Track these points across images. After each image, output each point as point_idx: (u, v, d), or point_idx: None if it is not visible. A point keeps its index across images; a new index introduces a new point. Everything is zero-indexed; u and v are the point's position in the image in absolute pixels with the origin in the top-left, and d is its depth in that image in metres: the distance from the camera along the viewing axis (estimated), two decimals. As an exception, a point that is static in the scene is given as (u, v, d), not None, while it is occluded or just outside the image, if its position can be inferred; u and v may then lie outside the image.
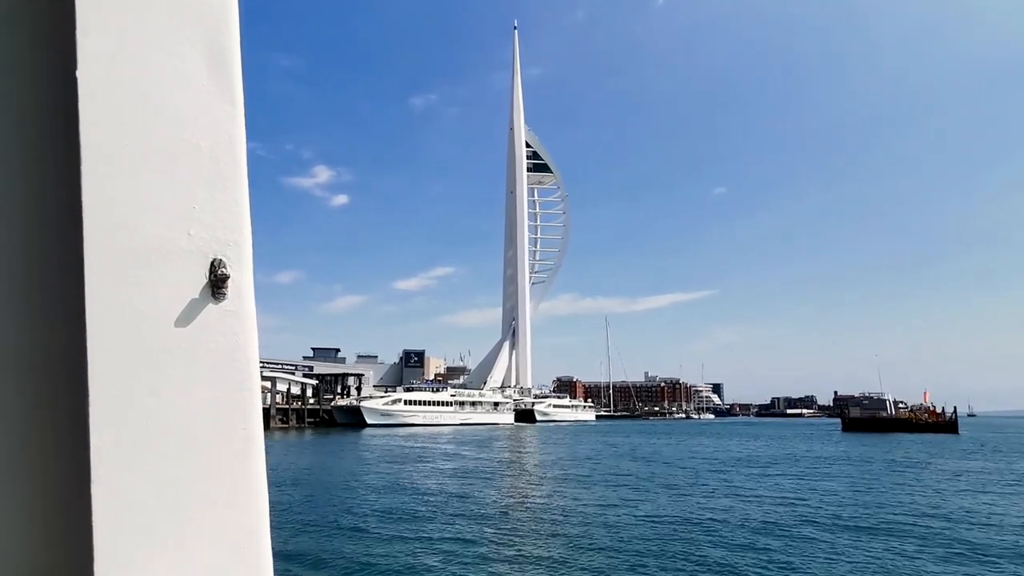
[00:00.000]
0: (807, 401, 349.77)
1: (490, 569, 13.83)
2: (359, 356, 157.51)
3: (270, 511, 1.09)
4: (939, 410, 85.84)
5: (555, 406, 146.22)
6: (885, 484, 28.67)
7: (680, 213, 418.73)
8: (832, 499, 23.73)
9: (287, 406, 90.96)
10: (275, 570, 1.09)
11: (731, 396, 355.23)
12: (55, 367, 1.00)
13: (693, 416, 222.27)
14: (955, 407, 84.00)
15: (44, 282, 1.02)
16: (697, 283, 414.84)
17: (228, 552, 1.04)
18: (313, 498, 24.03)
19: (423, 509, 21.23)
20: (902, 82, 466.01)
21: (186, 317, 1.03)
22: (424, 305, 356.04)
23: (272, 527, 1.09)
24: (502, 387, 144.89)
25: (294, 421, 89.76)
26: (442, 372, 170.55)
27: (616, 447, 56.38)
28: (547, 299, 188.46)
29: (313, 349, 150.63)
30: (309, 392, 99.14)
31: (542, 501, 23.83)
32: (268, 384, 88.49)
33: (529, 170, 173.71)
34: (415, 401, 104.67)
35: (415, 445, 55.77)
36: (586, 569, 13.74)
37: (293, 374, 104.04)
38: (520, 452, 50.60)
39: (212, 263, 1.05)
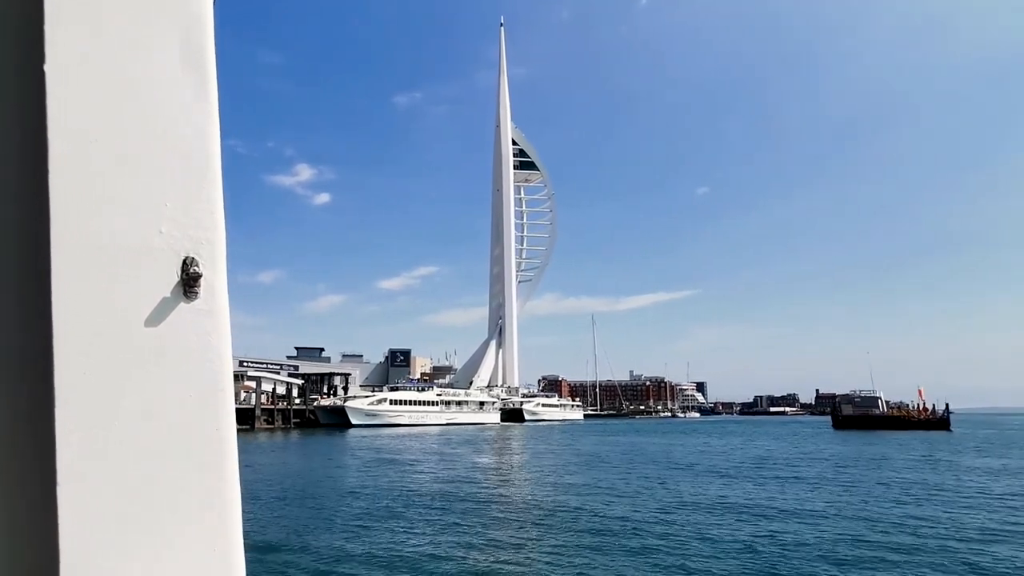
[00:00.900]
0: (789, 399, 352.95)
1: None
2: (344, 355, 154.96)
3: (243, 513, 1.07)
4: (930, 407, 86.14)
5: (544, 405, 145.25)
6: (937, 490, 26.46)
7: (663, 213, 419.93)
8: (899, 513, 20.77)
9: (272, 406, 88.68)
10: (248, 572, 1.07)
11: (714, 395, 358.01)
12: (21, 367, 0.97)
13: (679, 415, 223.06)
14: (947, 404, 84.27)
15: (10, 280, 0.99)
16: (679, 283, 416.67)
17: (200, 554, 1.02)
18: (294, 502, 22.48)
19: (429, 544, 16.16)
20: (885, 82, 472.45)
21: (157, 316, 1.01)
22: (407, 304, 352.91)
23: (245, 530, 1.07)
24: (489, 386, 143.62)
25: (280, 421, 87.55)
26: (428, 372, 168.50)
27: (620, 447, 54.49)
28: (533, 298, 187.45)
29: (297, 348, 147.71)
30: (295, 392, 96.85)
31: (593, 525, 18.36)
32: (253, 384, 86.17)
33: (516, 168, 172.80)
34: (401, 401, 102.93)
35: (404, 447, 54.08)
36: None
37: (278, 374, 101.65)
38: (525, 454, 48.06)
39: (184, 261, 1.03)
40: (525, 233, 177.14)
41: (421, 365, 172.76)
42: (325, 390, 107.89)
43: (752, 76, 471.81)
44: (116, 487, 0.96)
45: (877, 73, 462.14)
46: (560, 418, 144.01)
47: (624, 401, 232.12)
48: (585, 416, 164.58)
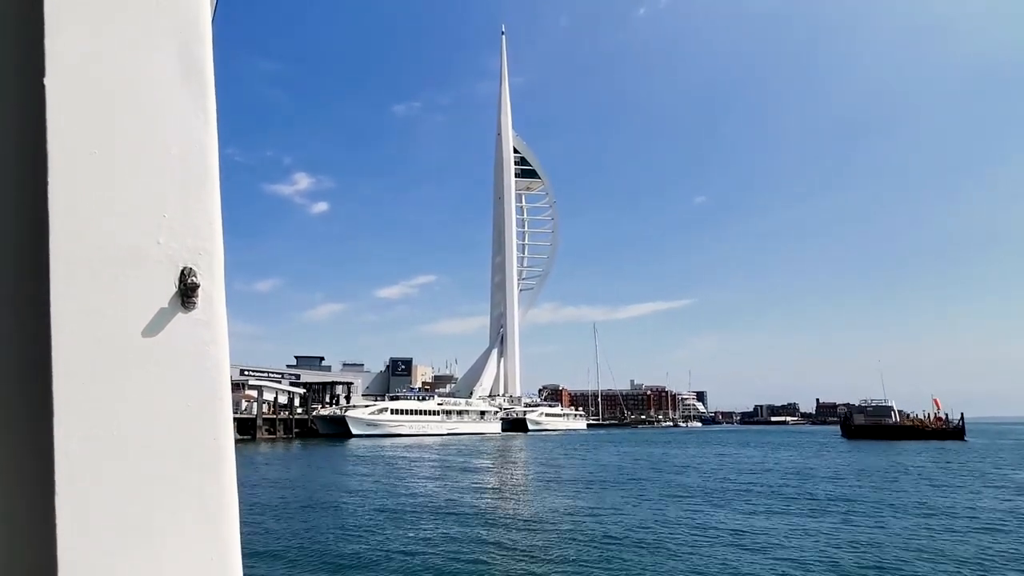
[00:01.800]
0: (790, 409, 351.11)
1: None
2: (345, 364, 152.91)
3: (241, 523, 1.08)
4: (944, 416, 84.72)
5: (548, 415, 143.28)
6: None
7: (660, 222, 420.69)
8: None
9: (274, 416, 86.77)
10: None
11: (713, 404, 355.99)
12: (21, 377, 0.97)
13: (681, 424, 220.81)
14: (962, 413, 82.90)
15: (8, 290, 1.00)
16: (677, 291, 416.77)
17: (198, 563, 1.02)
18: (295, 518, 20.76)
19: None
20: (884, 88, 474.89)
21: (155, 326, 1.02)
22: (406, 313, 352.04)
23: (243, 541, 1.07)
24: (491, 395, 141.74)
25: (281, 431, 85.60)
26: (429, 381, 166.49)
27: (643, 460, 51.24)
28: (535, 306, 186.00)
29: (297, 357, 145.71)
30: (297, 401, 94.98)
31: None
32: (254, 393, 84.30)
33: (517, 176, 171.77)
34: (402, 410, 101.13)
35: (414, 459, 52.15)
36: None
37: (279, 383, 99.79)
38: (550, 468, 43.85)
39: (182, 272, 1.04)
40: (527, 241, 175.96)
41: (422, 374, 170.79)
42: (328, 399, 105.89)
43: (750, 83, 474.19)
44: (114, 496, 0.96)
45: (875, 80, 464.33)
46: (564, 428, 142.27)
47: (626, 410, 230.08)
48: (588, 426, 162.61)
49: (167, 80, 1.08)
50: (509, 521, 20.73)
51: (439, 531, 18.71)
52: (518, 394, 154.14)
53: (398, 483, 32.08)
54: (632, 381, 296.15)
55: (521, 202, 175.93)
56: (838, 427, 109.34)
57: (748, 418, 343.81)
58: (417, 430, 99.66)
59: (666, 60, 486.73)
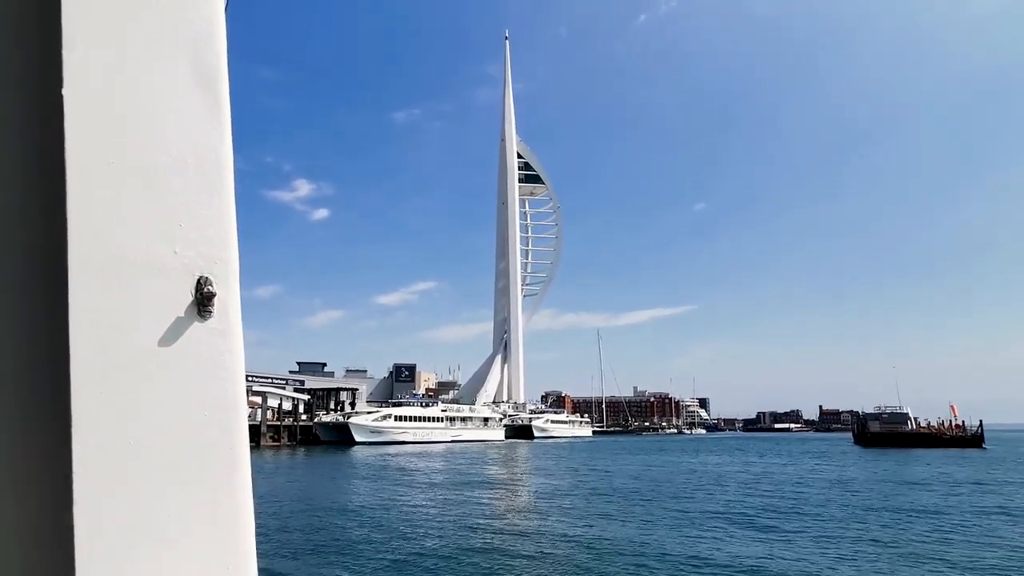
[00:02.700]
0: (793, 415, 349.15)
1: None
2: (348, 370, 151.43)
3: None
4: (961, 423, 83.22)
5: (553, 421, 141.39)
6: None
7: (660, 229, 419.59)
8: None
9: (278, 422, 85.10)
10: None
11: (715, 411, 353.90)
12: (38, 384, 0.99)
13: (685, 431, 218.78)
14: (980, 421, 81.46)
15: (28, 299, 1.00)
16: (677, 298, 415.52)
17: (214, 572, 1.03)
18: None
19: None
20: (884, 96, 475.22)
21: (171, 335, 1.03)
22: (405, 320, 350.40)
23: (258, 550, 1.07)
24: (495, 402, 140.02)
25: (286, 438, 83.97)
26: (433, 387, 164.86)
27: (672, 471, 47.65)
28: (538, 312, 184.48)
29: (299, 363, 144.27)
30: (301, 408, 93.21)
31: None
32: (259, 400, 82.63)
33: (521, 181, 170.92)
34: (405, 417, 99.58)
35: (421, 469, 50.46)
36: None
37: (284, 389, 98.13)
38: (578, 480, 40.05)
39: (198, 281, 1.05)
40: (530, 247, 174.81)
41: (426, 380, 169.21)
42: (332, 405, 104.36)
43: (750, 89, 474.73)
44: (131, 504, 0.97)
45: (877, 84, 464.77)
46: (570, 435, 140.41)
47: (629, 417, 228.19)
48: (593, 433, 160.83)
49: (182, 91, 1.09)
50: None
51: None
52: (522, 400, 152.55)
53: (424, 511, 26.01)
54: (635, 388, 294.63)
55: (524, 207, 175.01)
56: (843, 434, 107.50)
57: (751, 425, 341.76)
58: (421, 437, 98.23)
59: (666, 67, 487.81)
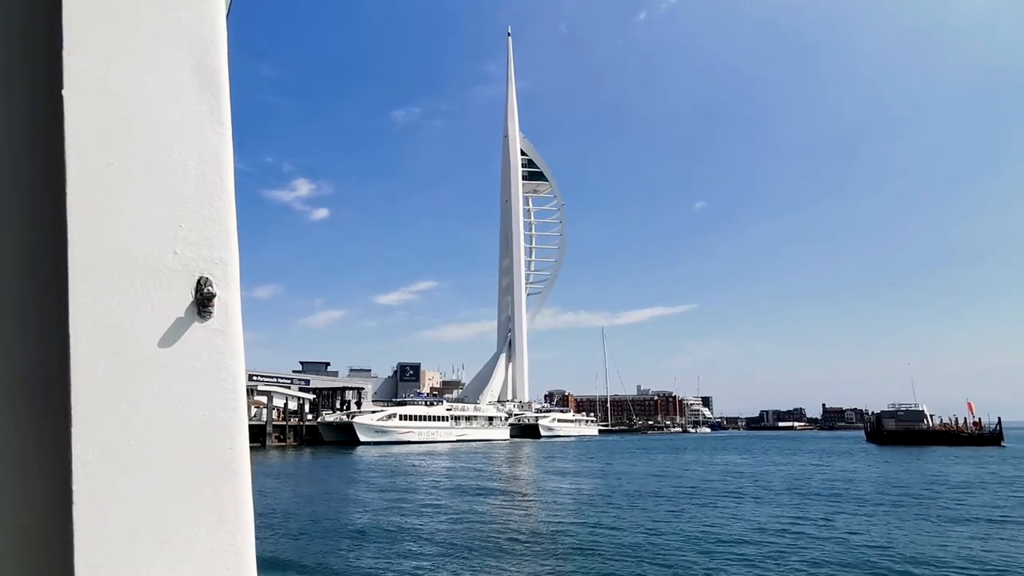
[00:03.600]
0: (796, 414, 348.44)
1: None
2: (352, 370, 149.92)
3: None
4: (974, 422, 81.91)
5: (560, 420, 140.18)
6: None
7: (660, 227, 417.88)
8: None
9: (284, 422, 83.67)
10: None
11: (717, 409, 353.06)
12: (38, 386, 1.00)
13: (690, 430, 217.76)
14: (999, 418, 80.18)
15: (28, 301, 1.02)
16: (678, 297, 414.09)
17: (214, 573, 1.03)
18: None
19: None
20: (886, 91, 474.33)
21: (171, 336, 1.03)
22: (405, 319, 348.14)
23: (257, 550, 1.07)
24: (500, 401, 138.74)
25: (292, 439, 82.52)
26: (437, 386, 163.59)
27: (701, 471, 44.88)
28: (543, 310, 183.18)
29: (302, 363, 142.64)
30: (307, 407, 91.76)
31: None
32: (264, 399, 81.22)
33: (524, 178, 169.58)
34: (411, 416, 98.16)
35: (434, 470, 48.54)
36: None
37: (289, 388, 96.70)
38: (615, 484, 36.61)
39: (198, 282, 1.06)
40: (534, 245, 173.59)
41: (430, 379, 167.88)
42: (338, 405, 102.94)
43: (750, 89, 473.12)
44: (131, 505, 0.97)
45: (877, 83, 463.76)
46: (576, 434, 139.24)
47: (634, 416, 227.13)
48: (599, 431, 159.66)
49: (183, 92, 1.09)
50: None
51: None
52: (527, 399, 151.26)
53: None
54: (639, 386, 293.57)
55: (528, 205, 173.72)
56: (848, 432, 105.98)
57: (754, 424, 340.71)
58: (426, 437, 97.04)
59: (667, 64, 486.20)
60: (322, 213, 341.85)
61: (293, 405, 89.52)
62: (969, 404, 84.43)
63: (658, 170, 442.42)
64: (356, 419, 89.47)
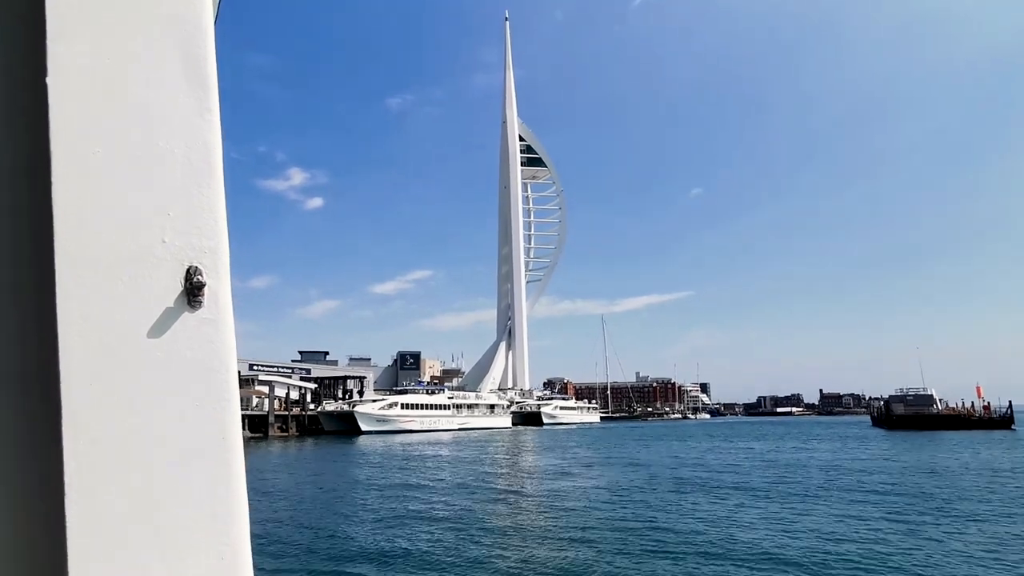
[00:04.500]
0: (794, 399, 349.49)
1: None
2: (351, 359, 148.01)
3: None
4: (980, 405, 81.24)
5: (562, 408, 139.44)
6: None
7: (656, 215, 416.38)
8: None
9: (286, 412, 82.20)
10: None
11: (715, 396, 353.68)
12: (26, 378, 0.98)
13: (689, 416, 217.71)
14: (1010, 402, 79.50)
15: (14, 291, 1.00)
16: (674, 284, 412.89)
17: (207, 566, 1.02)
18: None
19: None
20: (879, 78, 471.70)
21: (161, 326, 1.02)
22: (401, 309, 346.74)
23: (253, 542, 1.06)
24: (501, 389, 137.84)
25: (294, 429, 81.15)
26: (438, 374, 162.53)
27: (720, 458, 44.42)
28: (543, 297, 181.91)
29: (301, 352, 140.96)
30: (308, 397, 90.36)
31: None
32: (265, 389, 79.71)
33: (523, 164, 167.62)
34: (412, 405, 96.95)
35: (442, 458, 46.99)
36: None
37: (290, 378, 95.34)
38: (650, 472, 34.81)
39: (188, 271, 1.04)
40: (533, 232, 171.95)
41: (431, 367, 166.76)
42: (340, 394, 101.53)
43: (745, 75, 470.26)
44: (123, 497, 0.97)
45: (870, 69, 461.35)
46: (579, 421, 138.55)
47: (634, 403, 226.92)
48: (600, 418, 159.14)
49: (170, 79, 1.08)
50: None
51: None
52: (528, 387, 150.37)
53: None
54: (638, 373, 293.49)
55: (527, 191, 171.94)
56: (849, 417, 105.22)
57: (752, 409, 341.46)
58: (428, 425, 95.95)
59: (661, 51, 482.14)
60: (316, 202, 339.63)
61: (294, 395, 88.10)
62: (978, 388, 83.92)
63: (655, 156, 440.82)
64: (357, 408, 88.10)
